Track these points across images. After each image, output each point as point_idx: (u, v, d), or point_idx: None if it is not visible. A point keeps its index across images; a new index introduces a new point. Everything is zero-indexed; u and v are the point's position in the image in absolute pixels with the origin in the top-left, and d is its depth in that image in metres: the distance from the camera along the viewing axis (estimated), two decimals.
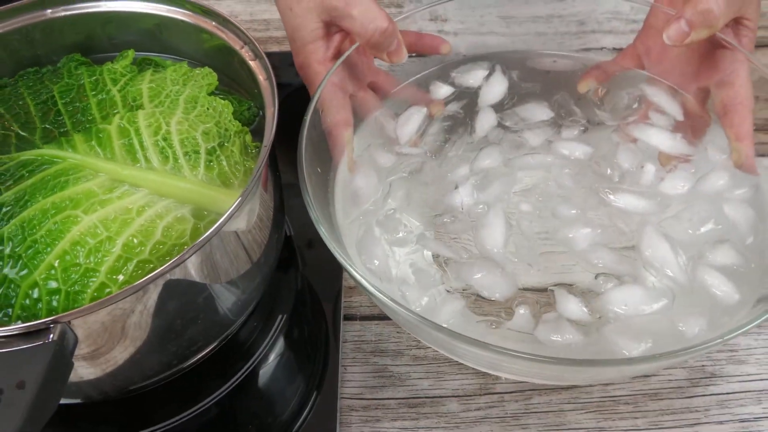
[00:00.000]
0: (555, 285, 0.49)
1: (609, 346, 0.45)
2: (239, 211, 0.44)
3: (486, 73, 0.62)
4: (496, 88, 0.61)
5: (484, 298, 0.48)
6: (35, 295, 0.43)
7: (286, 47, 0.80)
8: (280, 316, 0.57)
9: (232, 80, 0.58)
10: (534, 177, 0.55)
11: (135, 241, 0.44)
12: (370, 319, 0.57)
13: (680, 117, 0.58)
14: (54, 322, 0.38)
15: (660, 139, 0.57)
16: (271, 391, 0.54)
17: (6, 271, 0.43)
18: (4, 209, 0.46)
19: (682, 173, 0.54)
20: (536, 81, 0.62)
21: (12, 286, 0.43)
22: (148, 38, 0.60)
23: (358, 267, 0.48)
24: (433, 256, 0.51)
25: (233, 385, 0.53)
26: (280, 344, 0.56)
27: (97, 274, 0.43)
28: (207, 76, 0.56)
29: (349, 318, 0.57)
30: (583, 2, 0.66)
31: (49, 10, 0.58)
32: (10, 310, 0.43)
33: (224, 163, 0.50)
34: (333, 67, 0.55)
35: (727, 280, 0.47)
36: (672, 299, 0.47)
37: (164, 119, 0.51)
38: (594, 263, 0.50)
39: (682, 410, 0.51)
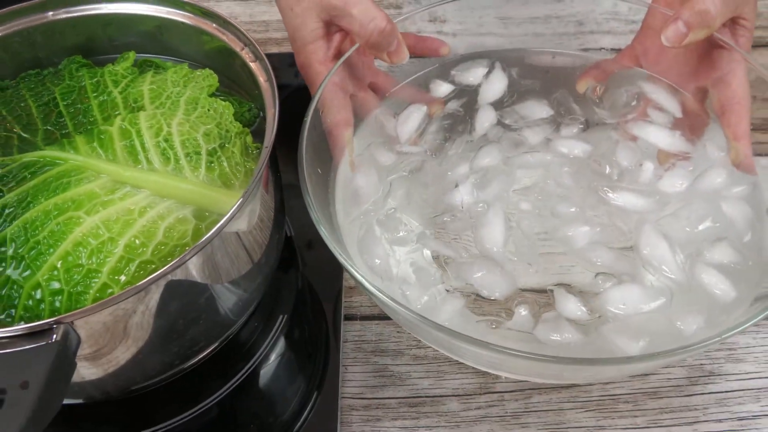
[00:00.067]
0: (554, 285, 0.49)
1: (608, 345, 0.45)
2: (240, 212, 0.44)
3: (486, 70, 0.62)
4: (496, 85, 0.61)
5: (483, 297, 0.48)
6: (38, 296, 0.43)
7: (285, 48, 0.81)
8: (280, 317, 0.58)
9: (233, 82, 0.59)
10: (533, 176, 0.55)
11: (137, 241, 0.44)
12: (371, 318, 0.57)
13: (679, 114, 0.58)
14: (57, 322, 0.38)
15: (659, 136, 0.57)
16: (272, 391, 0.54)
17: (9, 272, 0.44)
18: (6, 211, 0.46)
19: (681, 171, 0.54)
20: (536, 78, 0.62)
21: (15, 287, 0.43)
22: (149, 40, 0.61)
23: (359, 267, 0.48)
24: (433, 255, 0.51)
25: (234, 385, 0.53)
26: (280, 344, 0.56)
27: (100, 274, 0.43)
28: (208, 78, 0.56)
29: (349, 318, 0.57)
30: (582, 3, 0.66)
31: (51, 13, 0.58)
32: (13, 310, 0.43)
33: (225, 164, 0.50)
34: (334, 68, 0.56)
35: (724, 278, 0.47)
36: (670, 298, 0.47)
37: (165, 121, 0.51)
38: (593, 262, 0.50)
39: (681, 408, 0.52)
